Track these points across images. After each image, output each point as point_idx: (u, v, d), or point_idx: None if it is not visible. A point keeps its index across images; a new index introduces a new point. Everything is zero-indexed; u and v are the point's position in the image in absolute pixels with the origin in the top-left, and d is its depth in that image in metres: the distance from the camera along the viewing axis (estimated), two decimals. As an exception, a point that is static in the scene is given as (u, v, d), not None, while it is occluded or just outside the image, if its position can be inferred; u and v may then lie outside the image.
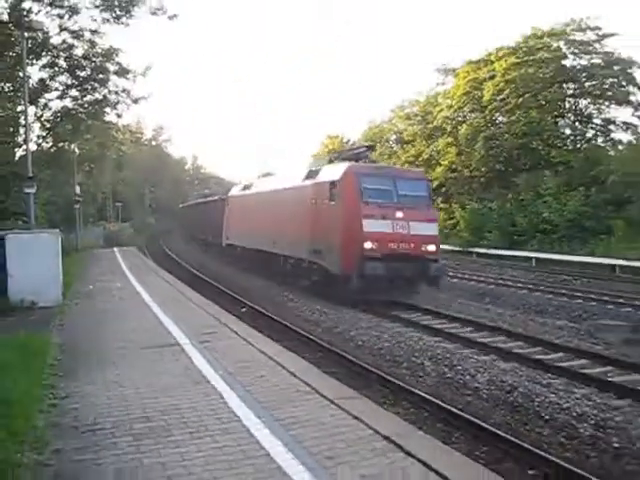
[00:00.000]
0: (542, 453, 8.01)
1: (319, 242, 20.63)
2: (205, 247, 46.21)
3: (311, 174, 22.85)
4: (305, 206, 22.05)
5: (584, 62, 48.45)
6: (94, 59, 30.49)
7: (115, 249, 43.49)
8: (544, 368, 11.84)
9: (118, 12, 28.81)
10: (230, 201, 35.87)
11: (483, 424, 9.08)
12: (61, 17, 28.65)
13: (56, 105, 32.06)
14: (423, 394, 10.53)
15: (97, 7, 28.71)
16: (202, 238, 48.10)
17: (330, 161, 23.88)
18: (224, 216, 36.06)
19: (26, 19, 24.54)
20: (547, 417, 9.42)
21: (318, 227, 20.81)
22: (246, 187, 33.94)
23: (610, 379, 10.97)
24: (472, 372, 11.83)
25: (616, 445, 8.28)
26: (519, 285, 25.44)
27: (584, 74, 47.97)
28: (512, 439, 8.45)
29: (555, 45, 48.76)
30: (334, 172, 20.64)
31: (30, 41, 26.49)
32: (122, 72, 31.06)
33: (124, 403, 7.49)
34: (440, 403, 10.03)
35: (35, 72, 30.27)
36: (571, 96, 49.91)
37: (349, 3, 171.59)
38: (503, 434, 8.65)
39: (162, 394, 7.83)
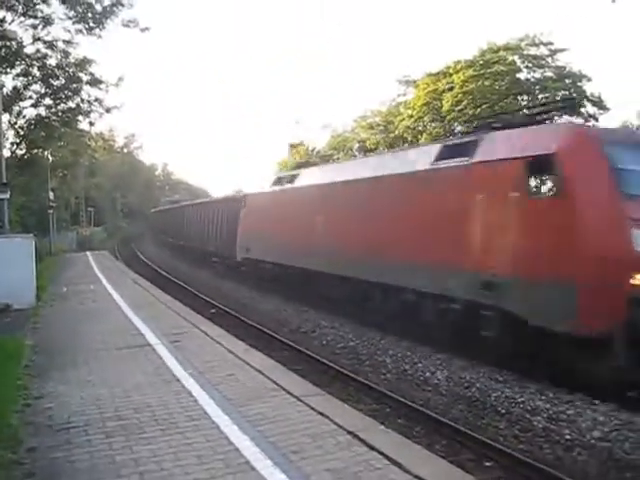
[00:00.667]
0: (498, 445, 8.40)
1: (501, 269, 11.32)
2: (178, 251, 46.07)
3: (460, 149, 13.31)
4: (457, 203, 12.67)
5: (537, 75, 49.95)
6: (68, 69, 30.68)
7: (88, 253, 43.28)
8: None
9: (91, 24, 28.96)
10: (252, 201, 26.45)
11: (442, 419, 9.45)
12: (35, 27, 28.81)
13: (30, 113, 32.21)
14: (385, 390, 10.90)
15: (70, 19, 28.98)
16: (180, 244, 46.48)
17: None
18: (238, 222, 27.52)
19: (0, 28, 24.55)
20: (503, 411, 9.82)
21: (497, 241, 11.61)
22: (286, 179, 23.35)
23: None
24: (431, 369, 12.21)
25: (568, 437, 8.70)
26: None
27: (537, 87, 49.34)
28: (470, 432, 8.82)
29: (510, 59, 50.03)
30: (533, 141, 11.54)
31: (3, 50, 26.50)
32: (95, 82, 31.30)
33: (97, 402, 7.65)
34: (401, 399, 10.39)
35: (9, 80, 30.23)
36: (525, 107, 50.98)
37: (317, 13, 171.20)
38: (461, 428, 9.03)
39: (134, 393, 8.02)
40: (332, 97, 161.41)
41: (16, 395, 7.97)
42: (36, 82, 30.68)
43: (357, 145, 71.59)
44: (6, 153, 27.11)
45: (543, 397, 10.07)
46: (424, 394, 11.01)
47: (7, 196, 21.44)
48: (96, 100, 31.96)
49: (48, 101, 31.62)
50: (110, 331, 12.64)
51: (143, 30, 30.37)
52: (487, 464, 7.95)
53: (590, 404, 9.58)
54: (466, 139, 13.80)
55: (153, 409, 7.36)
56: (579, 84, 48.16)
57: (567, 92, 48.08)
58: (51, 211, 42.01)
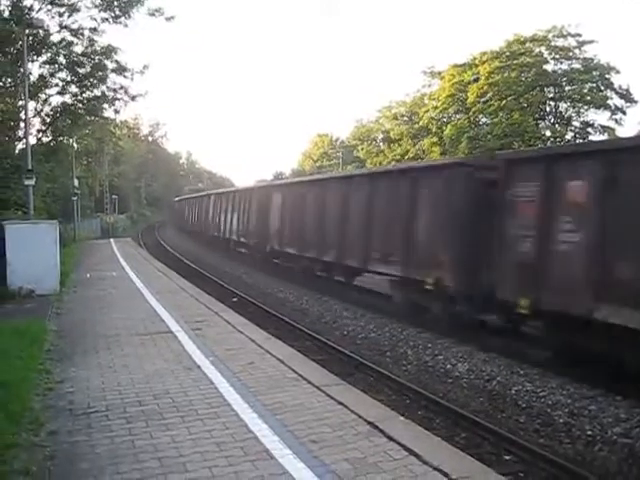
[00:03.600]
0: (518, 439, 8.36)
1: None
2: (201, 240, 45.51)
3: None
4: None
5: (564, 67, 49.85)
6: (93, 57, 30.87)
7: (111, 240, 43.54)
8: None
9: (117, 12, 29.17)
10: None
11: (462, 411, 9.42)
12: (61, 15, 29.09)
13: (56, 100, 32.57)
14: (405, 382, 10.89)
15: (96, 7, 29.22)
16: (204, 233, 45.14)
17: None
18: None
19: (27, 16, 24.92)
20: (523, 405, 9.77)
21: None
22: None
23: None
24: (452, 361, 12.17)
25: (589, 432, 8.63)
26: None
27: (564, 79, 49.08)
28: (490, 425, 8.79)
29: (537, 50, 49.87)
30: None
31: (31, 38, 26.74)
32: (120, 70, 31.46)
33: (118, 387, 7.71)
34: (421, 390, 10.37)
35: (35, 68, 30.57)
36: (551, 99, 50.99)
37: (342, 5, 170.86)
38: (481, 421, 9.00)
39: (154, 379, 8.06)
40: (358, 87, 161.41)
41: (38, 379, 8.06)
42: (62, 70, 30.97)
43: (381, 136, 71.64)
44: (32, 140, 27.52)
45: (564, 392, 10.00)
46: (444, 386, 10.99)
47: (33, 182, 21.75)
48: (121, 88, 32.25)
49: (74, 89, 31.89)
50: (132, 317, 12.73)
51: (168, 19, 30.54)
52: (507, 458, 7.93)
53: (612, 400, 9.50)
54: None
55: (173, 396, 7.39)
56: (607, 76, 47.74)
57: (594, 84, 47.66)
58: (75, 198, 42.36)
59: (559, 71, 49.89)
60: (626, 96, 48.76)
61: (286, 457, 5.55)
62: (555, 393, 9.99)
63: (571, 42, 49.19)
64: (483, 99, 50.65)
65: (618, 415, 8.97)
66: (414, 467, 5.35)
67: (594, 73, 47.81)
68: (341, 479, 5.11)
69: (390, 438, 6.02)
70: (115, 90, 32.15)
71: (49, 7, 28.46)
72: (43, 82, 30.48)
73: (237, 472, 5.26)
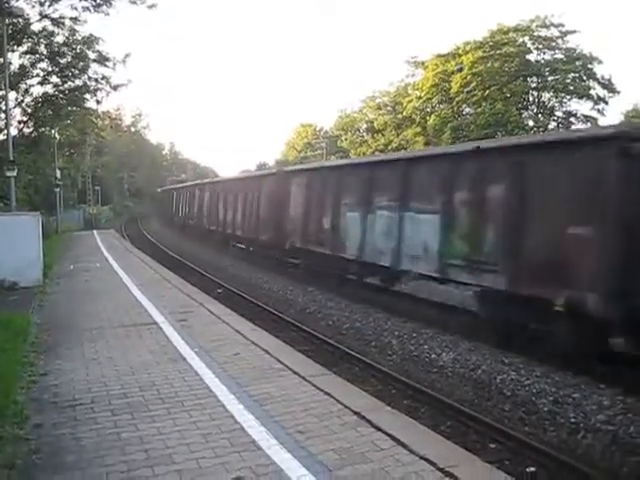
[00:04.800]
0: (503, 427, 8.41)
1: None
2: (185, 232, 45.20)
3: None
4: None
5: (547, 57, 50.30)
6: (74, 46, 30.58)
7: (95, 232, 43.28)
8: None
9: (98, 1, 28.90)
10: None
11: (448, 400, 9.46)
12: (42, 4, 28.76)
13: (37, 91, 32.21)
14: (391, 371, 10.92)
15: None
16: (189, 224, 44.60)
17: None
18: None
19: (6, 5, 24.52)
20: (508, 394, 9.83)
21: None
22: None
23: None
24: (437, 351, 12.22)
25: (573, 420, 8.70)
26: None
27: (547, 69, 49.47)
28: (475, 414, 8.83)
29: (520, 40, 50.21)
30: None
31: (10, 27, 26.40)
32: (102, 60, 31.20)
33: (103, 379, 7.68)
34: (407, 380, 10.41)
35: (16, 58, 30.22)
36: (534, 89, 51.41)
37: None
38: (467, 409, 9.05)
39: (140, 371, 8.05)
40: (341, 77, 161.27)
41: (22, 372, 8.01)
42: (43, 60, 30.73)
43: (365, 126, 71.71)
44: (13, 131, 27.23)
45: (549, 380, 10.08)
46: (430, 375, 11.03)
47: (14, 174, 21.58)
48: (103, 78, 32.00)
49: (55, 79, 31.72)
50: (116, 309, 12.69)
51: (150, 7, 30.25)
52: (492, 446, 7.97)
53: (596, 388, 9.59)
54: None
55: (159, 387, 7.38)
56: (590, 66, 48.08)
57: (577, 74, 48.00)
58: (58, 189, 42.10)
59: (542, 61, 50.28)
60: (608, 86, 49.14)
61: (273, 448, 5.56)
62: (539, 381, 10.06)
63: (554, 32, 49.52)
64: (467, 89, 50.87)
65: (601, 402, 9.06)
66: (401, 456, 5.36)
67: (577, 63, 48.16)
68: (328, 469, 5.11)
69: (377, 428, 6.04)
70: (97, 80, 31.96)
71: (29, -5, 28.11)
72: (24, 72, 30.18)
73: (224, 463, 5.25)
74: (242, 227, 29.25)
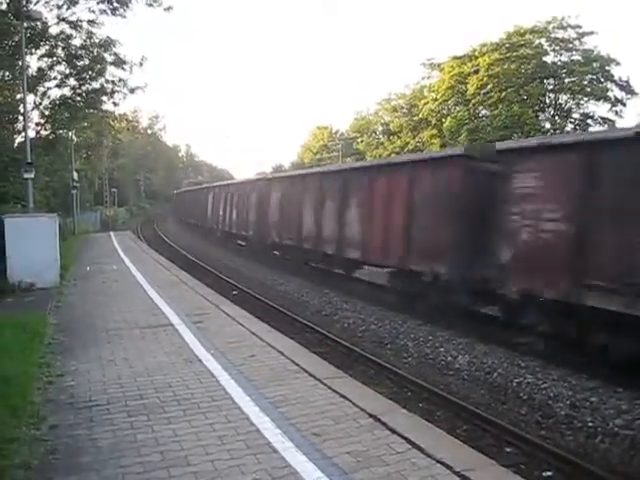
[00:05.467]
0: (519, 431, 8.36)
1: None
2: (201, 233, 45.19)
3: None
4: None
5: (564, 59, 49.85)
6: (92, 49, 30.70)
7: (111, 233, 43.48)
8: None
9: (115, 4, 29.03)
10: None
11: (464, 403, 9.43)
12: (59, 7, 28.87)
13: (54, 94, 32.37)
14: (406, 374, 10.89)
15: None
16: (204, 226, 45.05)
17: None
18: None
19: (25, 9, 24.67)
20: (525, 397, 9.77)
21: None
22: None
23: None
24: (453, 354, 12.17)
25: (590, 424, 8.63)
26: None
27: (564, 70, 49.04)
28: (491, 418, 8.79)
29: (537, 42, 49.82)
30: None
31: (29, 31, 26.60)
32: (119, 63, 31.31)
33: (119, 381, 7.70)
34: (423, 383, 10.37)
35: (34, 61, 30.48)
36: (551, 91, 51.03)
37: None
38: (482, 413, 9.00)
39: (156, 372, 8.05)
40: (357, 80, 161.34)
41: (39, 372, 8.04)
42: (60, 63, 30.82)
43: (381, 128, 71.64)
44: (31, 134, 27.40)
45: (565, 384, 10.03)
46: (445, 378, 11.00)
47: (32, 176, 21.68)
48: (120, 81, 32.06)
49: (72, 82, 31.70)
50: (132, 311, 12.72)
51: (167, 9, 30.32)
52: (508, 450, 7.94)
53: (614, 392, 9.53)
54: None
55: (174, 389, 7.38)
56: (607, 68, 47.70)
57: (594, 76, 47.66)
58: (75, 191, 42.30)
59: (559, 63, 49.89)
60: (626, 88, 48.70)
61: (288, 450, 5.55)
62: (556, 385, 10.01)
63: (571, 33, 49.16)
64: (483, 91, 50.62)
65: (619, 407, 9.00)
66: (417, 460, 5.34)
67: (594, 65, 47.77)
68: (344, 472, 5.10)
69: (392, 431, 6.01)
70: (114, 82, 32.03)
71: (47, -1, 28.32)
72: (42, 75, 30.37)
73: (239, 465, 5.25)
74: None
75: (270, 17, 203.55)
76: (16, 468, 5.26)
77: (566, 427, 8.69)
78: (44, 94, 31.30)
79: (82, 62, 30.82)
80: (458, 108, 54.58)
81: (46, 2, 28.19)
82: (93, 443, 5.78)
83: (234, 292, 19.49)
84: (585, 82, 48.17)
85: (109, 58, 31.17)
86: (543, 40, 49.86)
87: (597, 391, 9.61)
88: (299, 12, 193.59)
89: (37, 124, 31.86)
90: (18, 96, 29.07)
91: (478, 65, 51.65)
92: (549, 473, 7.14)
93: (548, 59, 50.06)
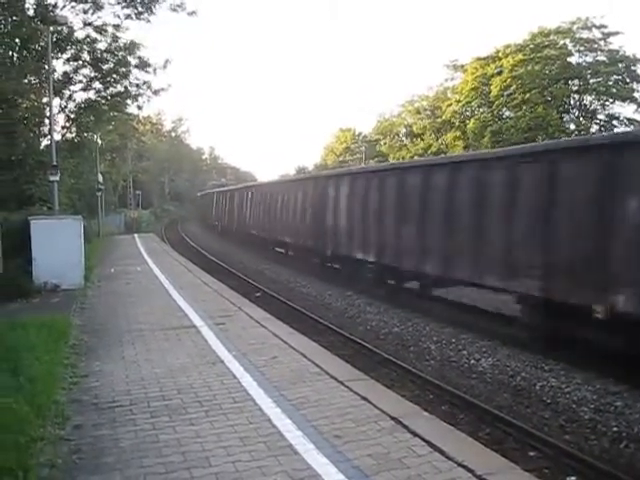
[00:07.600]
0: (543, 435, 8.29)
1: None
2: (225, 236, 45.08)
3: None
4: None
5: (589, 59, 49.42)
6: (116, 53, 31.01)
7: (135, 235, 43.91)
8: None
9: (140, 9, 29.36)
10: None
11: (486, 407, 9.36)
12: (85, 12, 29.25)
13: (80, 97, 32.58)
14: (429, 377, 10.84)
15: (119, 3, 29.36)
16: (230, 229, 43.74)
17: None
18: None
19: (51, 14, 25.06)
20: (548, 401, 9.69)
21: None
22: None
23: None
24: (476, 356, 12.11)
25: (615, 429, 8.54)
26: None
27: (589, 71, 48.64)
28: (514, 421, 8.72)
29: (561, 43, 49.49)
30: None
31: (55, 35, 26.89)
32: (143, 65, 31.58)
33: (142, 382, 7.77)
34: (445, 386, 10.32)
35: (60, 65, 30.76)
36: (576, 92, 50.59)
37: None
38: (506, 416, 8.93)
39: (178, 374, 8.11)
40: (380, 82, 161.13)
41: (64, 373, 8.13)
42: (86, 66, 31.16)
43: (404, 130, 71.52)
44: (57, 137, 27.77)
45: (590, 388, 9.93)
46: (468, 381, 10.92)
47: (57, 178, 21.95)
48: (144, 83, 32.35)
49: (97, 85, 32.06)
50: (155, 312, 12.82)
51: (190, 14, 30.65)
52: (531, 454, 7.85)
53: (639, 396, 9.39)
54: None
55: (197, 390, 7.42)
56: (633, 68, 47.21)
57: (620, 76, 47.21)
58: (99, 194, 42.73)
59: (584, 63, 49.49)
60: (653, 89, 48.17)
61: (309, 452, 5.55)
62: (580, 389, 9.92)
63: (596, 34, 48.74)
64: (507, 92, 50.34)
65: (645, 411, 8.88)
66: (439, 463, 5.32)
67: (619, 65, 47.34)
68: (365, 475, 5.09)
69: (414, 434, 5.99)
70: (138, 85, 32.32)
71: (73, 4, 28.66)
72: (67, 79, 30.72)
73: (261, 467, 5.26)
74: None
75: (295, 20, 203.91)
76: (41, 467, 5.31)
77: (590, 431, 8.58)
78: (69, 97, 31.66)
79: (107, 65, 31.16)
80: (482, 110, 54.41)
81: (72, 7, 28.64)
82: (116, 443, 5.83)
83: (257, 294, 19.46)
84: (610, 83, 47.75)
85: (133, 61, 31.54)
86: (567, 41, 49.52)
87: (622, 395, 9.50)
88: (324, 14, 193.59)
89: (63, 127, 32.29)
90: (44, 99, 29.44)
91: (502, 66, 51.42)
92: (573, 478, 7.07)
93: (573, 60, 49.73)
